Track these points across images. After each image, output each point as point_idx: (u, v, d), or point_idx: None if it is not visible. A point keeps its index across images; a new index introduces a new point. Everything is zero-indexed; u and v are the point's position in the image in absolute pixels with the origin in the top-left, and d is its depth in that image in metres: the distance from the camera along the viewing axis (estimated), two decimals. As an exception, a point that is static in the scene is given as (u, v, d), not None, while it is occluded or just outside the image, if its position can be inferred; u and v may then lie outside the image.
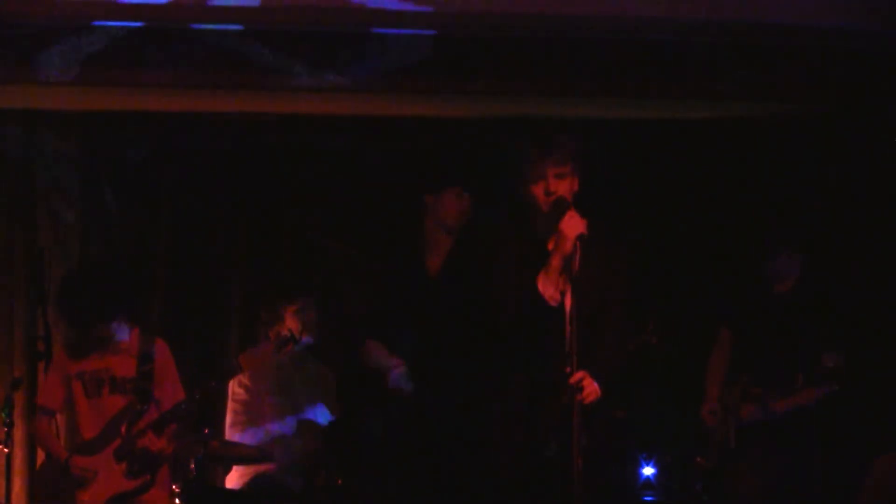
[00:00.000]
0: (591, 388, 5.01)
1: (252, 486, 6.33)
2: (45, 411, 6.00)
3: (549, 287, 5.12)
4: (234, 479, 6.42)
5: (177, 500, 5.77)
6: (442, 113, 6.93)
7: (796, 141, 6.93)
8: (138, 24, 5.99)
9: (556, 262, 5.11)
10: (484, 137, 6.94)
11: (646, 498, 6.80)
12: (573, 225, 5.07)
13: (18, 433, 6.64)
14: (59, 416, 6.13)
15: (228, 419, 6.44)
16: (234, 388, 6.46)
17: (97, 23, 5.93)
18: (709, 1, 6.13)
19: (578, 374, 4.97)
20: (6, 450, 6.06)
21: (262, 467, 6.31)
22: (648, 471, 6.85)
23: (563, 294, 5.11)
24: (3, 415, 5.96)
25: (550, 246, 5.17)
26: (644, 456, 6.84)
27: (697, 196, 7.14)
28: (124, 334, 5.97)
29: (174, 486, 5.83)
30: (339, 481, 6.09)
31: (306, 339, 6.41)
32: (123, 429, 5.83)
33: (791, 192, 6.78)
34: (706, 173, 7.12)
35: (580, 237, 5.03)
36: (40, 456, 6.69)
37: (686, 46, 6.29)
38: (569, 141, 5.19)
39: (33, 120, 6.92)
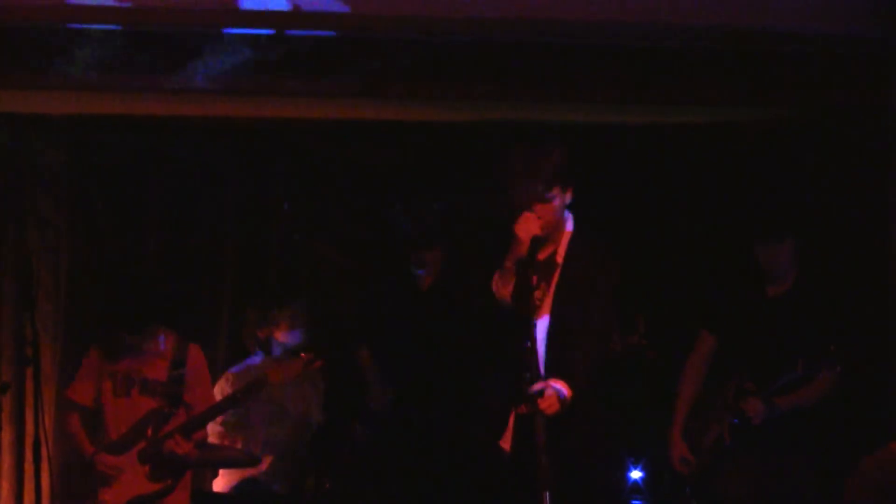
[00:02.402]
0: (552, 399, 4.89)
1: (239, 490, 6.32)
2: (75, 406, 5.99)
3: (501, 287, 5.07)
4: (221, 483, 6.41)
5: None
6: (431, 118, 6.92)
7: (790, 145, 6.92)
8: (124, 28, 5.99)
9: (508, 264, 5.06)
10: (474, 143, 6.94)
11: (634, 502, 6.79)
12: (527, 228, 5.04)
13: (6, 437, 6.65)
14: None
15: (210, 427, 6.40)
16: (218, 398, 6.42)
17: (80, 26, 5.94)
18: (702, 6, 6.13)
19: (539, 384, 4.91)
20: (-7, 453, 6.07)
21: (249, 472, 6.30)
22: (636, 474, 6.84)
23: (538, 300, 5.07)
24: (-9, 419, 5.98)
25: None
26: (632, 459, 6.82)
27: (688, 200, 7.14)
28: (160, 339, 5.99)
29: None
30: (328, 486, 6.09)
31: (295, 342, 6.42)
32: (150, 431, 5.85)
33: (785, 196, 6.77)
34: (698, 178, 7.12)
35: (535, 239, 5.00)
36: (28, 459, 6.68)
37: (680, 51, 6.28)
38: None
39: (21, 124, 6.91)
